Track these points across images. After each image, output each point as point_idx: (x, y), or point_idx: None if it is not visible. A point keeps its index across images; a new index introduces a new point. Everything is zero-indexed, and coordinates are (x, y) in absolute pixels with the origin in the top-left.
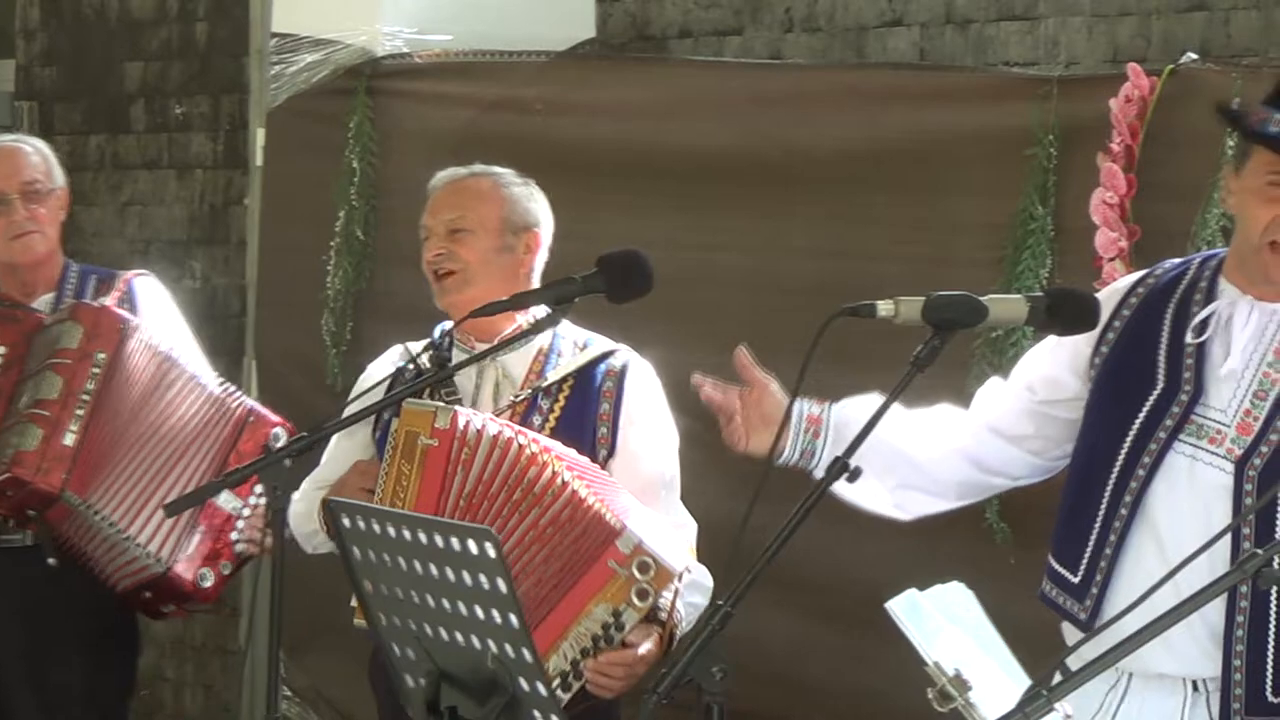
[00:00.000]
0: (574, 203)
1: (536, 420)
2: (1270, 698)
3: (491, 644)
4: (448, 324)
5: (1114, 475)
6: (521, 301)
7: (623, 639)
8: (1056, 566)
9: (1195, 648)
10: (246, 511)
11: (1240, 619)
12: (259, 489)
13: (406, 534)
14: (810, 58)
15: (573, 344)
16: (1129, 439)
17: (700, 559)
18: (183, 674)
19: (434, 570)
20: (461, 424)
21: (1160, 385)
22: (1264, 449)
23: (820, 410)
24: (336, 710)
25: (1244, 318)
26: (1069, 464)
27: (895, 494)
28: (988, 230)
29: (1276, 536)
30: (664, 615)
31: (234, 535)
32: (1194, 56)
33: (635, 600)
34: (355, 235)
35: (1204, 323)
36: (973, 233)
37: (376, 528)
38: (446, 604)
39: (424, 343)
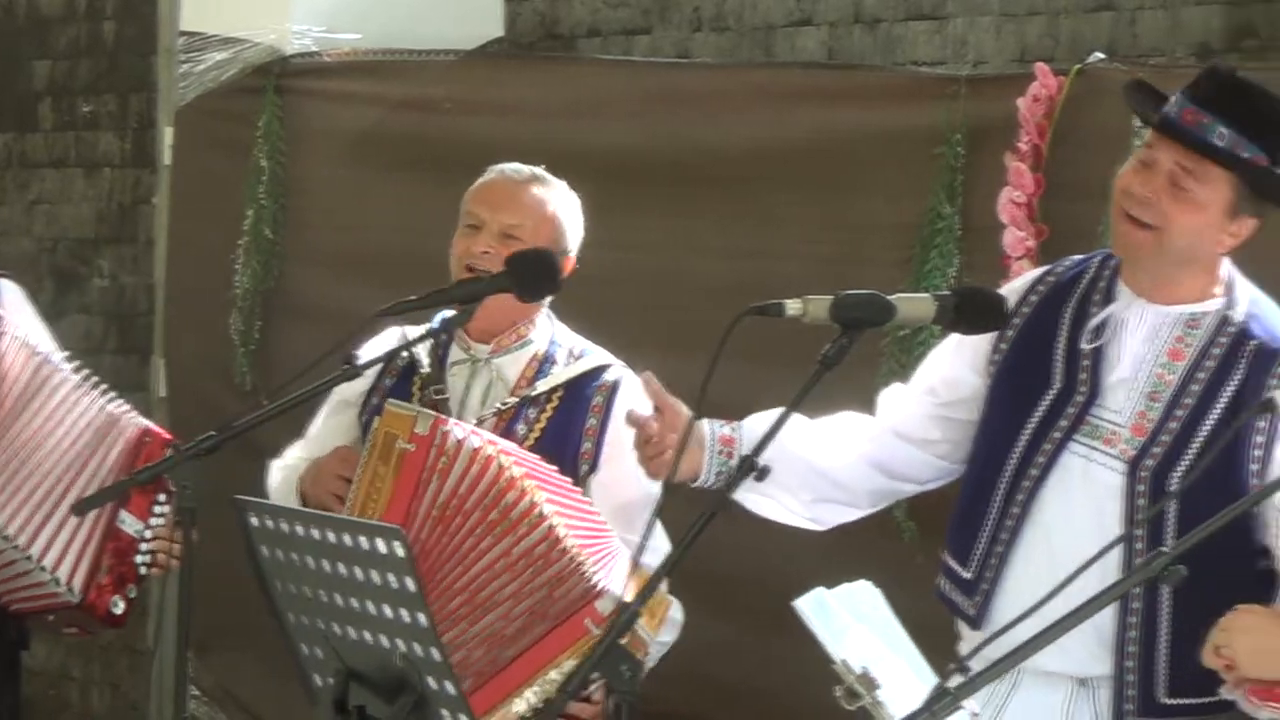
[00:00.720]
0: None
1: (521, 429)
2: (1163, 699)
3: (400, 643)
4: (449, 314)
5: (1008, 474)
6: (433, 300)
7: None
8: (951, 563)
9: (1083, 649)
10: (149, 534)
11: (1133, 620)
12: (159, 509)
13: (315, 533)
14: (719, 57)
15: (568, 352)
16: (1024, 438)
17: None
18: (89, 673)
19: (343, 569)
20: (441, 432)
21: (1057, 386)
22: (1156, 450)
23: (731, 430)
24: (245, 709)
25: (1137, 321)
26: (969, 460)
27: (810, 508)
28: (896, 229)
29: (1165, 540)
30: None
31: (138, 559)
32: (1101, 56)
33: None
34: (264, 234)
35: (1100, 327)
36: (881, 232)
37: (285, 527)
38: (355, 603)
39: (422, 329)
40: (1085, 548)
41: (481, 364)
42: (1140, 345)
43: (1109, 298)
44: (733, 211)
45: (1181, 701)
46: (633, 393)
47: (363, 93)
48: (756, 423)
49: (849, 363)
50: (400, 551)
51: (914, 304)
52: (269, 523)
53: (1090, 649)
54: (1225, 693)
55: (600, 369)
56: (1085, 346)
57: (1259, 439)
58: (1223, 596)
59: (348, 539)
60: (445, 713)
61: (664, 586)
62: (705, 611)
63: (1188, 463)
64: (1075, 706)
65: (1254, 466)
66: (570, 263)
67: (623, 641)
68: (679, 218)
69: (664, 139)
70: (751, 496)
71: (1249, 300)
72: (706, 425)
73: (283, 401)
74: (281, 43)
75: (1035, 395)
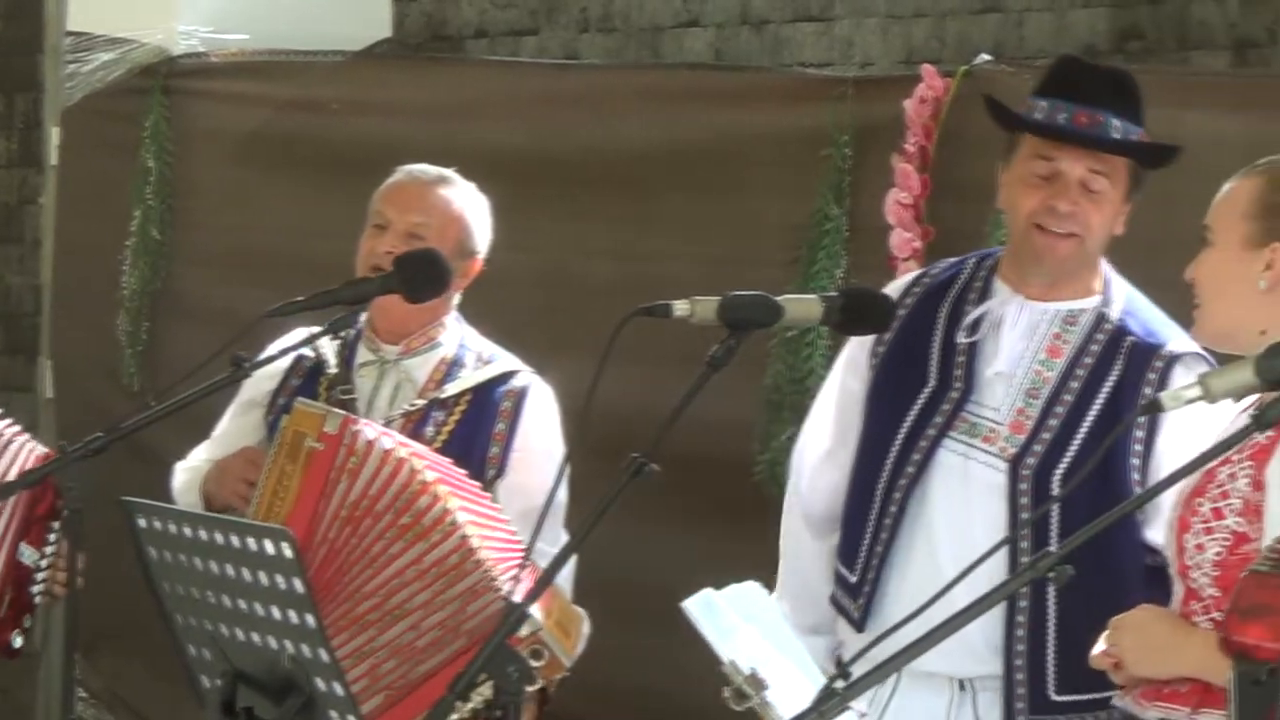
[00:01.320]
0: (370, 203)
1: (429, 431)
2: (1053, 696)
3: (288, 644)
4: (363, 315)
5: (885, 474)
6: (320, 301)
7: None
8: (839, 568)
9: (964, 650)
10: (44, 562)
11: (1020, 619)
12: (52, 536)
13: (203, 534)
14: (606, 58)
15: (476, 356)
16: (900, 437)
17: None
18: None
19: (231, 570)
20: (351, 432)
21: (932, 384)
22: (1037, 448)
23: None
24: (133, 712)
25: (1014, 318)
26: (853, 465)
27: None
28: (784, 230)
29: (1051, 538)
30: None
31: (34, 588)
32: (988, 58)
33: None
34: (151, 235)
35: (976, 323)
36: (769, 233)
37: (173, 528)
38: (243, 604)
39: (324, 327)
40: (968, 546)
41: (390, 365)
42: (1018, 342)
43: (985, 295)
44: (620, 212)
45: (1072, 698)
46: (541, 399)
47: (250, 93)
48: None
49: (737, 363)
50: (288, 553)
51: (801, 305)
52: (157, 524)
53: (974, 650)
54: (1116, 699)
55: (508, 374)
56: (962, 340)
57: (1139, 434)
58: (1108, 593)
59: (236, 540)
60: (334, 714)
61: (562, 649)
62: (594, 614)
63: (1069, 461)
64: (958, 711)
65: (1135, 462)
66: (478, 264)
67: (539, 664)
68: (567, 219)
69: (551, 140)
70: None
71: (1125, 297)
72: None
73: (170, 403)
74: (168, 43)
75: (912, 393)
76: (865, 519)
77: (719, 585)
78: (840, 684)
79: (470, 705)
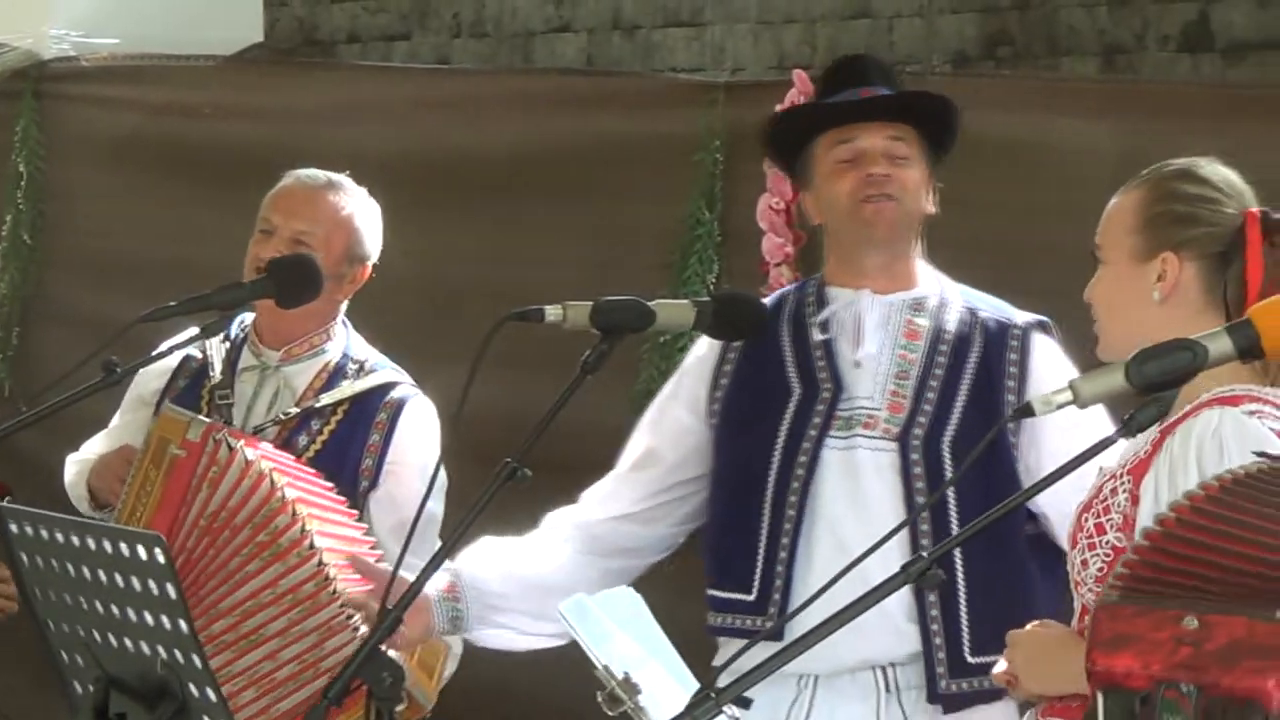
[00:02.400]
0: (243, 208)
1: (303, 440)
2: (970, 659)
3: (161, 650)
4: (248, 317)
5: (770, 486)
6: (192, 305)
7: None
8: (723, 594)
9: (884, 628)
10: None
11: (932, 597)
12: None
13: (75, 539)
14: (478, 63)
15: (358, 366)
16: (779, 448)
17: None
18: None
19: (103, 576)
20: (214, 440)
21: (798, 391)
22: (921, 419)
23: (451, 577)
24: (4, 718)
25: (867, 311)
26: (710, 499)
27: (541, 624)
28: (656, 235)
29: (951, 511)
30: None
31: None
32: None
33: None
34: (22, 240)
35: (825, 323)
36: (642, 238)
37: (45, 533)
38: (115, 610)
39: (204, 326)
40: (871, 531)
41: (270, 371)
42: (875, 332)
43: (821, 304)
44: (492, 217)
45: (987, 659)
46: (418, 413)
47: (122, 97)
48: (474, 564)
49: (610, 368)
50: (161, 558)
51: (674, 310)
52: (28, 529)
53: (896, 627)
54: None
55: (388, 386)
56: (817, 338)
57: (1010, 399)
58: (1002, 557)
59: (108, 545)
60: (206, 719)
61: (424, 693)
62: None
63: (953, 430)
64: (886, 713)
65: (1012, 440)
66: (367, 270)
67: (400, 709)
68: (439, 224)
69: (423, 145)
70: (487, 633)
71: (958, 287)
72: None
73: (41, 408)
74: (39, 47)
75: (778, 407)
76: (755, 538)
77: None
78: (715, 688)
79: None
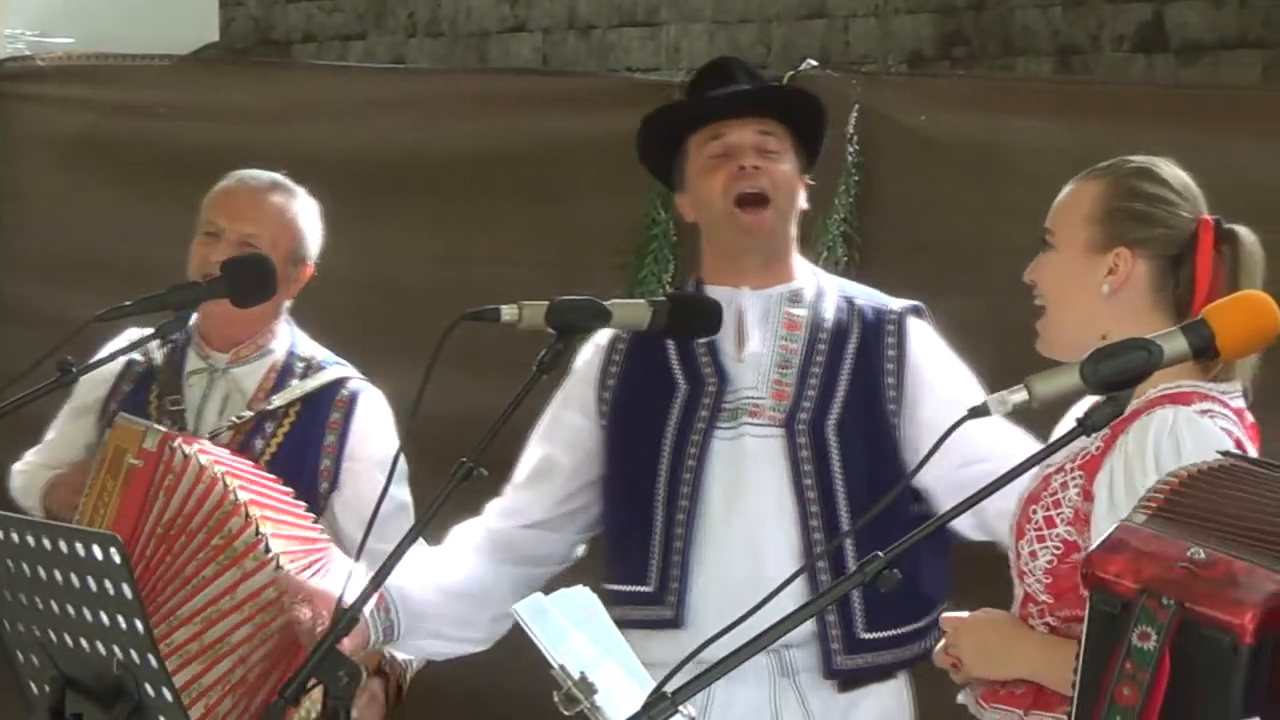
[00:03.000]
0: (198, 208)
1: (259, 444)
2: (862, 635)
3: (117, 650)
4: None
5: (663, 479)
6: (147, 305)
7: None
8: (621, 587)
9: (782, 613)
10: None
11: (822, 564)
12: None
13: (30, 539)
14: (433, 63)
15: (306, 364)
16: (668, 442)
17: None
18: None
19: (58, 576)
20: (170, 449)
21: (684, 387)
22: (806, 404)
23: (380, 590)
24: None
25: (748, 306)
26: (605, 497)
27: (466, 629)
28: (612, 235)
29: (839, 498)
30: (386, 667)
31: None
32: (814, 63)
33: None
34: None
35: None
36: (597, 237)
37: (0, 533)
38: (71, 610)
39: (152, 331)
40: (756, 516)
41: (219, 374)
42: (756, 327)
43: None
44: (448, 217)
45: (877, 635)
46: (370, 406)
47: (77, 97)
48: (402, 577)
49: (565, 368)
50: (116, 557)
51: (629, 309)
52: None
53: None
54: (961, 697)
55: (338, 382)
56: (699, 341)
57: (890, 381)
58: (891, 536)
59: (64, 545)
60: (162, 719)
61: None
62: None
63: (837, 413)
64: (781, 698)
65: (891, 407)
66: (309, 270)
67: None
68: (394, 223)
69: (379, 144)
70: (414, 643)
71: (829, 278)
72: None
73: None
74: None
75: (665, 403)
76: (649, 531)
77: (549, 590)
78: (670, 687)
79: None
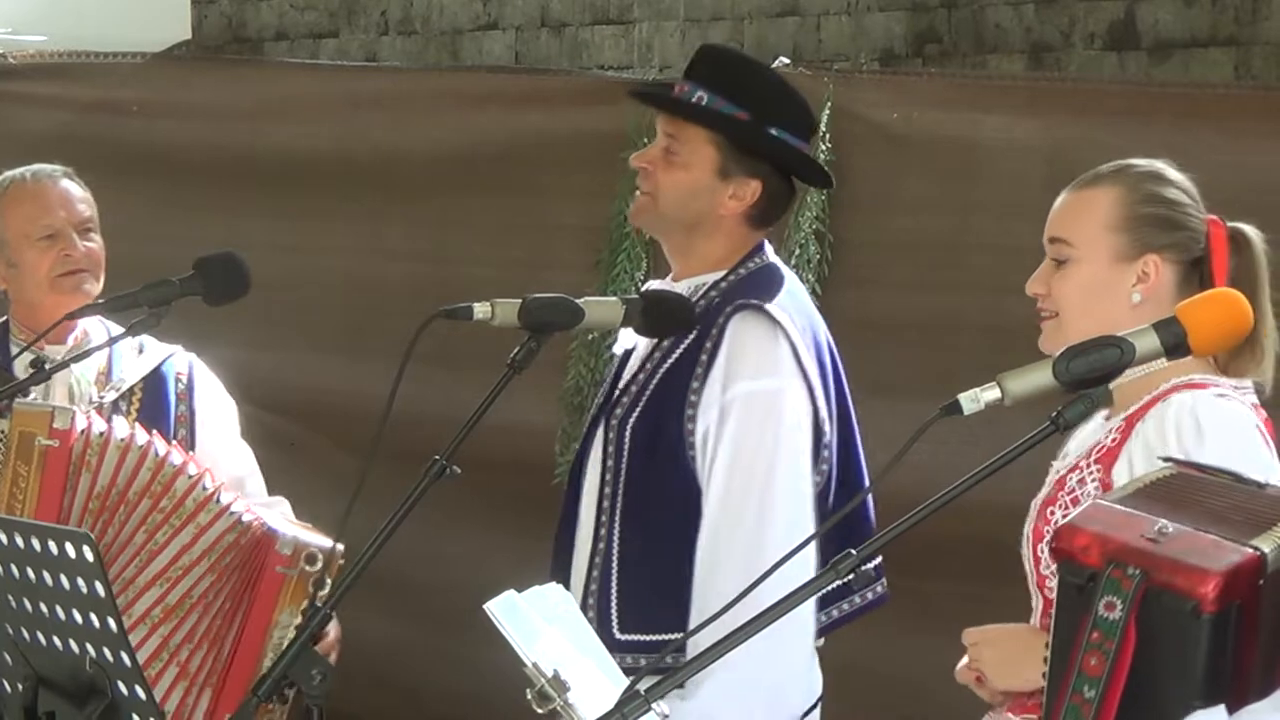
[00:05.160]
0: (173, 205)
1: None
2: (617, 634)
3: (90, 648)
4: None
5: (578, 458)
6: (120, 303)
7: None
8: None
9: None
10: None
11: (597, 560)
12: None
13: (2, 538)
14: (406, 60)
15: (135, 348)
16: (587, 423)
17: None
18: None
19: (31, 574)
20: (82, 425)
21: (605, 387)
22: (625, 399)
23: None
24: None
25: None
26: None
27: None
28: (584, 233)
29: (622, 483)
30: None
31: None
32: (786, 61)
33: (314, 591)
34: None
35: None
36: (569, 235)
37: None
38: (44, 608)
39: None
40: (587, 510)
41: (55, 366)
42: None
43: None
44: (421, 215)
45: (632, 638)
46: (204, 371)
47: (50, 95)
48: None
49: (538, 366)
50: (90, 556)
51: (602, 307)
52: None
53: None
54: (989, 717)
55: (167, 357)
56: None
57: (694, 385)
58: (659, 539)
59: (36, 543)
60: (135, 717)
61: (326, 542)
62: (398, 615)
63: (639, 411)
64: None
65: (690, 412)
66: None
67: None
68: (366, 221)
69: (351, 142)
70: None
71: (760, 273)
72: None
73: None
74: None
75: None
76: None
77: (522, 587)
78: (643, 685)
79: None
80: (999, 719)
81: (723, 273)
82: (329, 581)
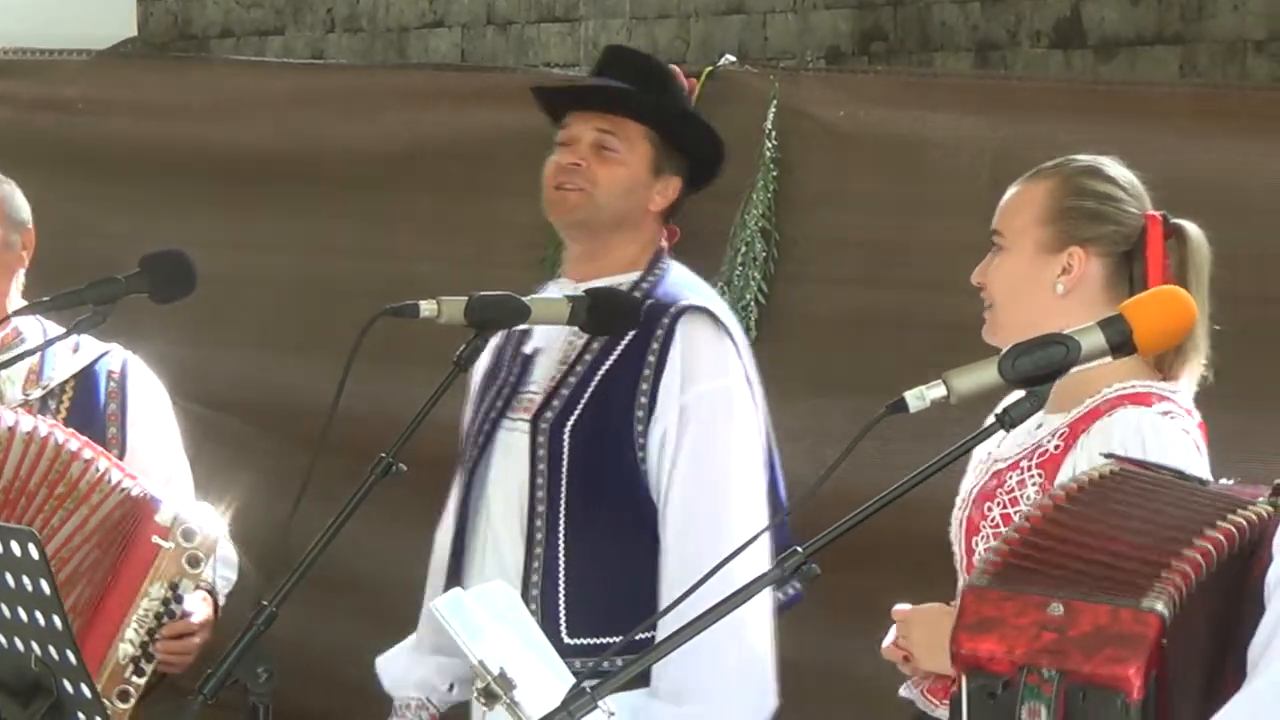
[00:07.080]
0: (118, 202)
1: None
2: (565, 639)
3: (35, 646)
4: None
5: (465, 467)
6: (66, 301)
7: (183, 611)
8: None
9: None
10: None
11: (536, 564)
12: None
13: None
14: (352, 58)
15: (69, 346)
16: (472, 431)
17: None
18: None
19: None
20: None
21: (501, 376)
22: (555, 403)
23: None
24: None
25: (554, 296)
26: None
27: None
28: (531, 230)
29: (559, 495)
30: (206, 585)
31: None
32: (732, 59)
33: (188, 568)
34: None
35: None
36: (515, 233)
37: None
38: None
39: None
40: (512, 508)
41: None
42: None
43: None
44: (366, 213)
45: (580, 642)
46: (140, 370)
47: None
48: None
49: None
50: (35, 554)
51: (548, 305)
52: None
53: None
54: (904, 691)
55: (102, 354)
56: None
57: (644, 387)
58: (607, 541)
59: None
60: (81, 715)
61: (210, 525)
62: (345, 612)
63: (577, 414)
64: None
65: (639, 413)
66: (32, 237)
67: (193, 572)
68: (312, 219)
69: (297, 140)
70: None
71: (674, 273)
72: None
73: None
74: None
75: (480, 396)
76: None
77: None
78: (589, 683)
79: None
80: (918, 698)
81: (638, 274)
82: (203, 560)
